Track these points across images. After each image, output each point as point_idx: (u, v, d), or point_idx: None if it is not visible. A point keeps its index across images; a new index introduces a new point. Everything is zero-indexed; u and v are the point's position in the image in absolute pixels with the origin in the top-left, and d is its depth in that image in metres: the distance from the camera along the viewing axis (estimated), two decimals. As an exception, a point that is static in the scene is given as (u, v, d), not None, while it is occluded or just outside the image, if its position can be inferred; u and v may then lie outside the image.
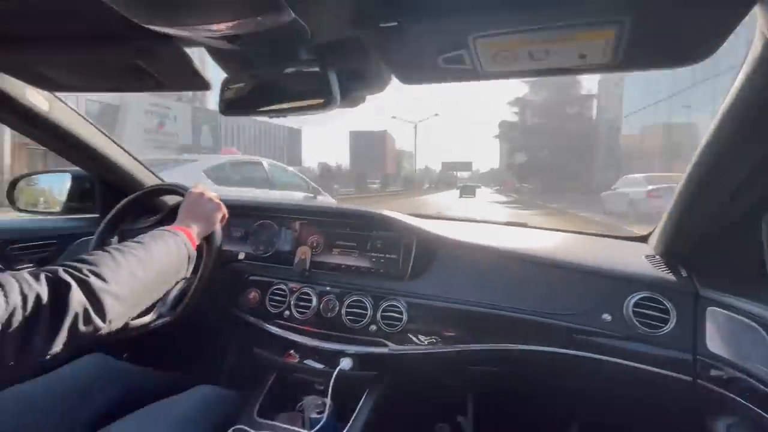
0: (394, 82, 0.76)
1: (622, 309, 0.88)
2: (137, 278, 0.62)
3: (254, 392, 1.02)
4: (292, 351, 1.05)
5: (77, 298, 0.52)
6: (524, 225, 1.38)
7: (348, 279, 1.10)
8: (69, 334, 0.51)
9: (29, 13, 0.67)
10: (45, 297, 0.49)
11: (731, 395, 0.74)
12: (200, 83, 0.85)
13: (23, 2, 0.63)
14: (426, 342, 0.98)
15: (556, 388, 1.08)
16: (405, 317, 0.98)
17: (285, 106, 0.69)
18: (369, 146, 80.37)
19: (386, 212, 1.16)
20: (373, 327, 0.99)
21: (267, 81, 0.71)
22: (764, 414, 0.67)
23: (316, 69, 0.63)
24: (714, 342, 0.79)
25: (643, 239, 1.12)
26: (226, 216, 0.96)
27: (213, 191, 0.96)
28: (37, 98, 1.00)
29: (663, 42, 0.49)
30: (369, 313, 1.00)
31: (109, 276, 0.57)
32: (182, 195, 0.96)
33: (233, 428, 0.88)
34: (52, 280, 0.52)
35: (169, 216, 1.28)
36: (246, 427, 0.87)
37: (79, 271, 0.55)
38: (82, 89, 1.00)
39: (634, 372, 0.85)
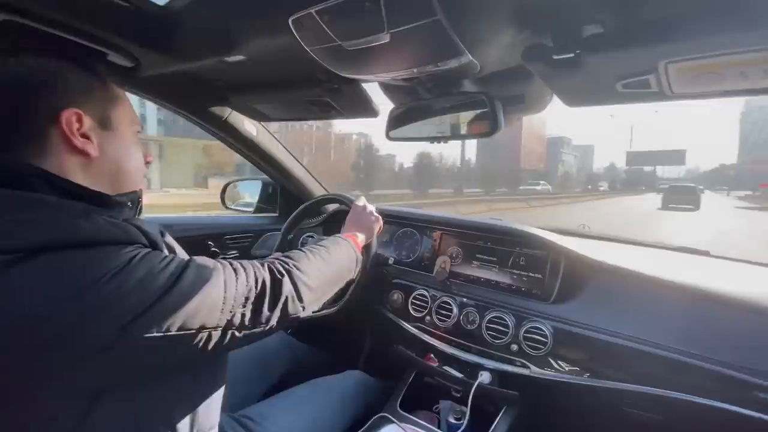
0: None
1: None
2: (324, 275, 0.77)
3: (397, 385, 1.13)
4: (432, 354, 1.12)
5: (288, 286, 0.66)
6: (706, 253, 1.16)
7: (487, 293, 1.11)
8: (281, 314, 0.64)
9: (253, 67, 0.88)
10: (268, 282, 0.63)
11: None
12: (371, 112, 0.99)
13: (254, 60, 0.83)
14: (571, 371, 0.92)
15: None
16: (550, 341, 0.94)
17: (449, 133, 0.76)
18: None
19: (531, 229, 1.13)
20: (515, 346, 0.99)
21: (432, 110, 0.79)
22: None
23: (482, 98, 0.67)
24: None
25: None
26: (382, 227, 1.09)
27: None
28: (250, 127, 1.31)
29: None
30: (511, 331, 1.00)
31: (306, 270, 0.72)
32: (348, 205, 1.13)
33: (378, 415, 0.99)
34: (272, 270, 0.67)
35: (329, 219, 1.51)
36: (389, 416, 0.98)
37: (287, 264, 0.71)
38: (281, 119, 1.27)
39: None
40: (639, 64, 0.52)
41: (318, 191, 1.64)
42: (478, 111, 0.69)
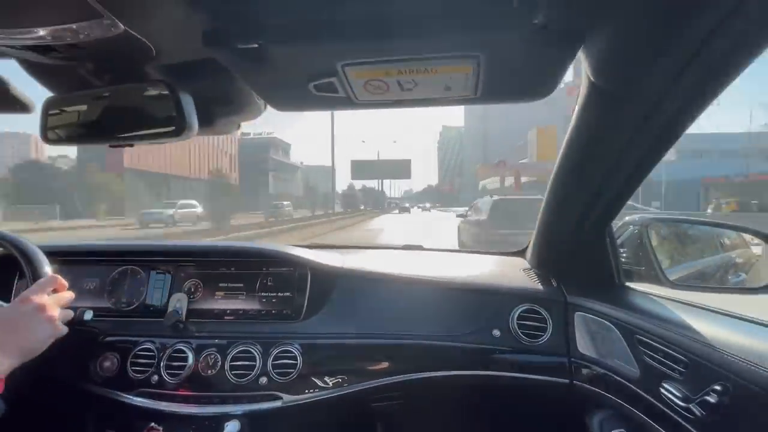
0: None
1: (508, 323, 0.94)
2: None
3: None
4: (153, 424, 0.86)
5: None
6: (419, 248, 1.42)
7: (233, 327, 0.96)
8: None
9: None
10: None
11: (600, 392, 0.82)
12: (18, 104, 0.68)
13: None
14: (324, 386, 0.90)
15: (459, 410, 1.09)
16: (299, 362, 0.89)
17: (126, 134, 0.58)
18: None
19: (274, 245, 1.07)
20: (264, 379, 0.88)
21: (104, 105, 0.58)
22: (626, 405, 0.76)
23: (165, 90, 0.54)
24: (583, 344, 0.88)
25: (521, 253, 1.23)
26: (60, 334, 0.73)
27: None
28: None
29: (512, 78, 0.54)
30: (258, 363, 0.88)
31: None
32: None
33: None
34: None
35: None
36: None
37: None
38: None
39: (524, 383, 0.90)
40: (320, 63, 0.52)
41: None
42: (165, 110, 0.55)
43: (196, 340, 0.92)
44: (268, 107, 0.72)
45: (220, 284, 1.03)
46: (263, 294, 1.01)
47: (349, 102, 0.60)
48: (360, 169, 43.46)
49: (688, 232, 0.99)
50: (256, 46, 0.49)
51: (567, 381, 0.88)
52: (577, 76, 0.65)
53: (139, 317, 1.00)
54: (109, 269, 1.06)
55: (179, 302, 0.99)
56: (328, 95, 0.58)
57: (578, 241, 0.91)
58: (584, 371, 0.86)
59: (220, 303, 1.01)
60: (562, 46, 0.46)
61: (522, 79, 0.54)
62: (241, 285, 1.02)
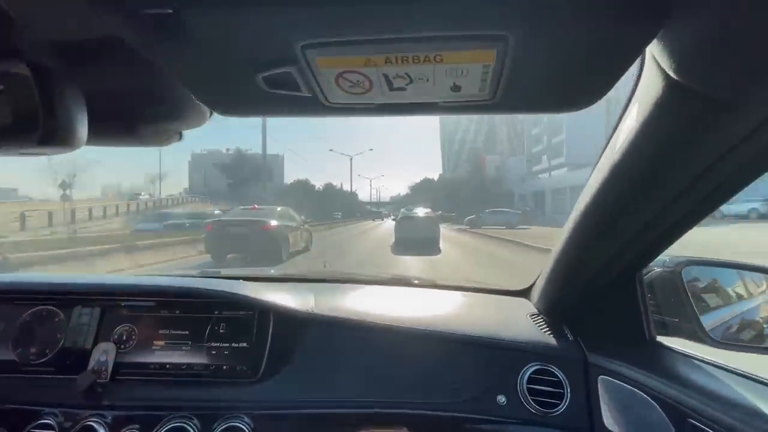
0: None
1: (516, 386, 0.76)
2: None
3: None
4: None
5: None
6: (409, 282, 1.24)
7: (170, 392, 0.75)
8: None
9: None
10: None
11: None
12: None
13: None
14: None
15: None
16: None
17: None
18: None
19: (232, 283, 0.87)
20: None
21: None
22: None
23: (24, 74, 0.35)
24: (611, 418, 0.70)
25: (524, 293, 1.06)
26: None
27: None
28: None
29: (550, 76, 0.37)
30: None
31: None
32: None
33: None
34: None
35: None
36: None
37: None
38: None
39: None
40: (270, 43, 0.35)
41: None
42: (28, 108, 0.36)
43: (115, 411, 0.71)
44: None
45: (160, 331, 0.82)
46: (213, 344, 0.81)
47: (316, 105, 0.43)
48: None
49: (724, 277, 0.84)
50: (170, 11, 0.31)
51: None
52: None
53: (50, 374, 0.78)
54: (18, 310, 0.84)
55: (105, 353, 0.78)
56: (286, 93, 0.41)
57: (603, 285, 0.75)
58: None
59: (157, 356, 0.80)
60: (639, 23, 0.31)
61: (564, 77, 0.37)
62: (187, 332, 0.82)
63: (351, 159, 47.49)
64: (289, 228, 8.13)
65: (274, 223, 7.61)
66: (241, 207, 9.89)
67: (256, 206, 9.00)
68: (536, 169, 47.53)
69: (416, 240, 10.34)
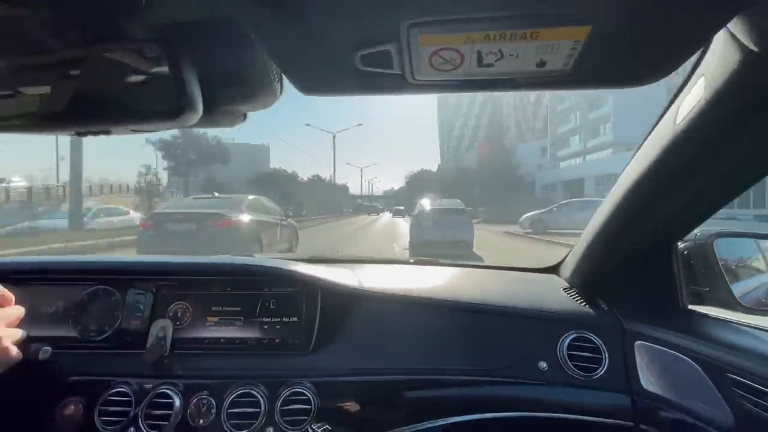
0: (288, 91, 0.55)
1: (556, 353, 0.80)
2: None
3: None
4: None
5: None
6: (435, 261, 1.28)
7: (231, 362, 0.79)
8: None
9: None
10: None
11: None
12: None
13: None
14: None
15: None
16: (314, 407, 0.73)
17: (104, 118, 0.41)
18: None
19: (277, 262, 0.91)
20: (270, 430, 0.71)
21: (69, 79, 0.42)
22: None
23: (154, 51, 0.38)
24: (648, 379, 0.75)
25: (554, 270, 1.10)
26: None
27: None
28: None
29: (635, 49, 0.40)
30: (263, 409, 0.72)
31: None
32: None
33: None
34: None
35: None
36: None
37: None
38: None
39: (578, 426, 0.76)
40: (378, 22, 0.37)
41: None
42: (160, 85, 0.39)
43: (184, 380, 0.75)
44: (285, 91, 0.57)
45: (213, 308, 0.86)
46: (265, 320, 0.85)
47: (402, 82, 0.46)
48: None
49: (752, 247, 0.88)
50: None
51: (631, 424, 0.75)
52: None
53: (111, 349, 0.82)
54: (75, 290, 0.87)
55: (163, 331, 0.82)
56: (377, 71, 0.44)
57: (640, 257, 0.78)
58: (651, 413, 0.73)
59: (212, 331, 0.84)
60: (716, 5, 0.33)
61: (645, 50, 0.40)
62: (238, 309, 0.86)
63: (334, 136, 42.04)
64: (263, 224, 6.09)
65: (239, 217, 5.62)
66: (194, 196, 7.76)
67: (216, 194, 6.88)
68: (562, 154, 41.61)
69: (442, 245, 7.20)
